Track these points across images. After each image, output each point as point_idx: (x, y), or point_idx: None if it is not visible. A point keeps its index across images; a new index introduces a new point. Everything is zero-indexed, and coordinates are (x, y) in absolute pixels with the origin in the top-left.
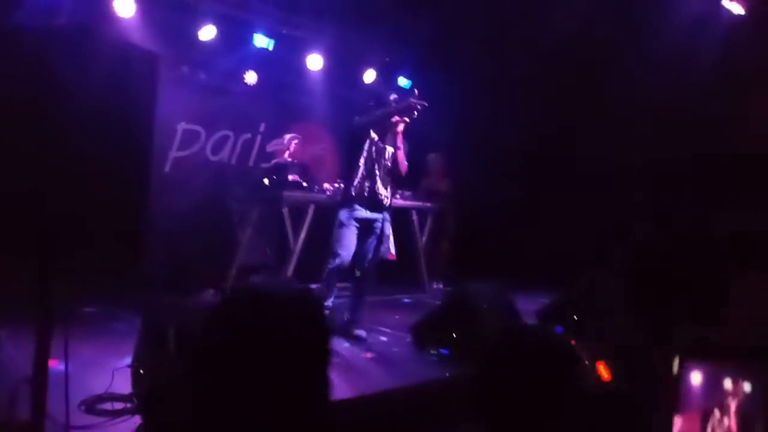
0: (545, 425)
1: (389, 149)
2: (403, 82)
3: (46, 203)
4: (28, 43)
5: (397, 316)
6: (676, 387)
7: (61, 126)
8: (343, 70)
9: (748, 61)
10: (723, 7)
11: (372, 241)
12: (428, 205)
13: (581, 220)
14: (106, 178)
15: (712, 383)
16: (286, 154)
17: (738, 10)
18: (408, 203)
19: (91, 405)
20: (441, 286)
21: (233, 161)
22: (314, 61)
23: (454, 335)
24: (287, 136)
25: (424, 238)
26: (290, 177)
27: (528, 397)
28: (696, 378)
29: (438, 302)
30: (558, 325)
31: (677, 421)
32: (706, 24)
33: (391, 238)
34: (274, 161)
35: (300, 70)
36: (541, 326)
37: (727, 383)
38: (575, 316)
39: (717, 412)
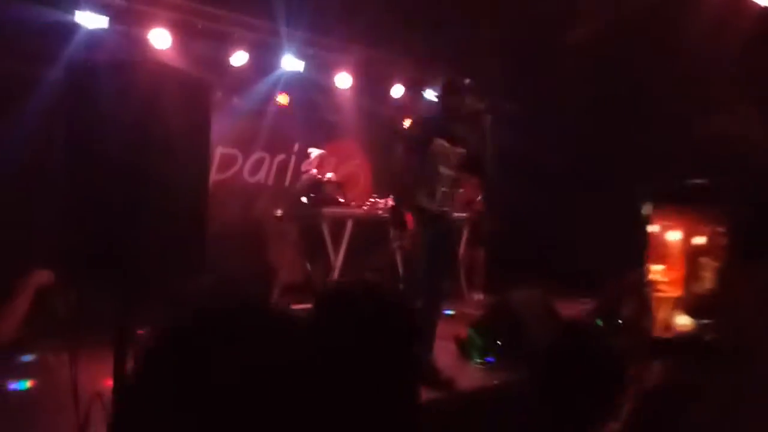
0: (606, 420)
1: (457, 151)
2: (431, 95)
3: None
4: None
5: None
6: None
7: (129, 154)
8: (371, 86)
9: None
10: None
11: (442, 260)
12: (463, 215)
13: (614, 225)
14: (174, 196)
15: None
16: (314, 170)
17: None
18: None
19: None
20: (480, 296)
21: (270, 182)
22: (343, 80)
23: (499, 343)
24: (313, 153)
25: (461, 249)
26: (327, 193)
27: (589, 393)
28: None
29: (479, 312)
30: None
31: None
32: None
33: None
34: (306, 179)
35: (330, 88)
36: (595, 325)
37: None
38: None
39: None
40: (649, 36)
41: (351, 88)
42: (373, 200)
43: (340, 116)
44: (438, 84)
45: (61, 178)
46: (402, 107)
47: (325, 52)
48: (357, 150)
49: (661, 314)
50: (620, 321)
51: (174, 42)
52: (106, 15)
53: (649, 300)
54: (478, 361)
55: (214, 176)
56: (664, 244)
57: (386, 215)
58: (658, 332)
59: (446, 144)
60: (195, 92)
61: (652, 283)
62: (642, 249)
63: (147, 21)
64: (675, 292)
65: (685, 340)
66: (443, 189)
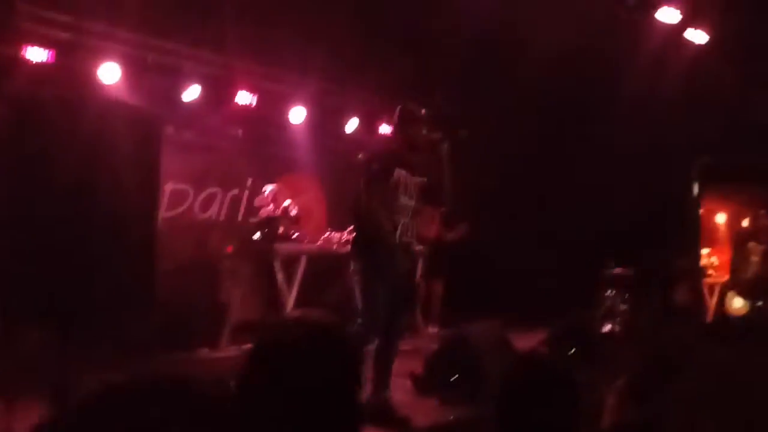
0: None
1: (417, 180)
2: (385, 129)
3: (59, 275)
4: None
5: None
6: None
7: (70, 194)
8: (325, 120)
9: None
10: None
11: (404, 294)
12: (419, 248)
13: (570, 258)
14: (117, 239)
15: None
16: (270, 206)
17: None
18: None
19: None
20: (436, 329)
21: (222, 218)
22: (297, 114)
23: (455, 378)
24: (267, 189)
25: (419, 280)
26: (280, 229)
27: (545, 425)
28: None
29: (434, 346)
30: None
31: None
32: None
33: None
34: (262, 214)
35: (283, 123)
36: (551, 355)
37: None
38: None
39: None
40: (594, 62)
41: (304, 121)
42: (328, 234)
43: (294, 150)
44: (393, 115)
45: (3, 216)
46: (357, 140)
47: (278, 85)
48: (311, 184)
49: (712, 299)
50: (573, 350)
51: (124, 76)
52: (53, 49)
53: (702, 286)
54: (435, 396)
55: (164, 213)
56: (711, 228)
57: (343, 249)
58: (711, 317)
59: (406, 174)
60: (145, 128)
61: (704, 268)
62: (691, 235)
63: (96, 55)
64: (723, 276)
65: (739, 323)
66: (404, 220)
